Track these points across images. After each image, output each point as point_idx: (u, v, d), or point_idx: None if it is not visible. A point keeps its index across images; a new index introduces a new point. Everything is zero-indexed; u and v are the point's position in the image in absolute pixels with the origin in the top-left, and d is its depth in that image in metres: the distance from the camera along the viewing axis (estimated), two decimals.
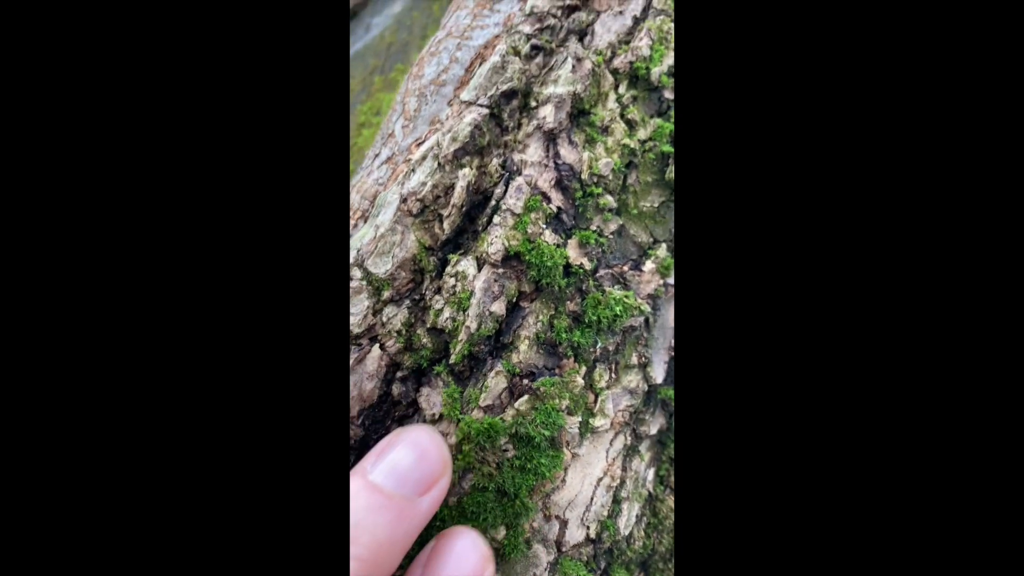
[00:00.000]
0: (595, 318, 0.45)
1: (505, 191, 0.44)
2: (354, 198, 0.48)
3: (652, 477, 0.51)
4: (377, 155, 0.49)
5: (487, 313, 0.43)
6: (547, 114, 0.46)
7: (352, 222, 0.47)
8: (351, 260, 0.44)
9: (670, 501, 0.52)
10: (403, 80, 0.53)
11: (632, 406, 0.48)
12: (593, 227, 0.46)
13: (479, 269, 0.43)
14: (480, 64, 0.48)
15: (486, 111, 0.46)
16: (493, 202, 0.44)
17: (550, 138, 0.46)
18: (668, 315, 0.49)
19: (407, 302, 0.44)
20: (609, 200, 0.46)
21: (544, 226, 0.44)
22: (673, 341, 0.48)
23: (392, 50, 0.76)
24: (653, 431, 0.50)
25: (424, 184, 0.44)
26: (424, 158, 0.45)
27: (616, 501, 0.48)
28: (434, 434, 0.39)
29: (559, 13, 0.50)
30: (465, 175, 0.44)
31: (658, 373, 0.49)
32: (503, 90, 0.46)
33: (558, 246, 0.44)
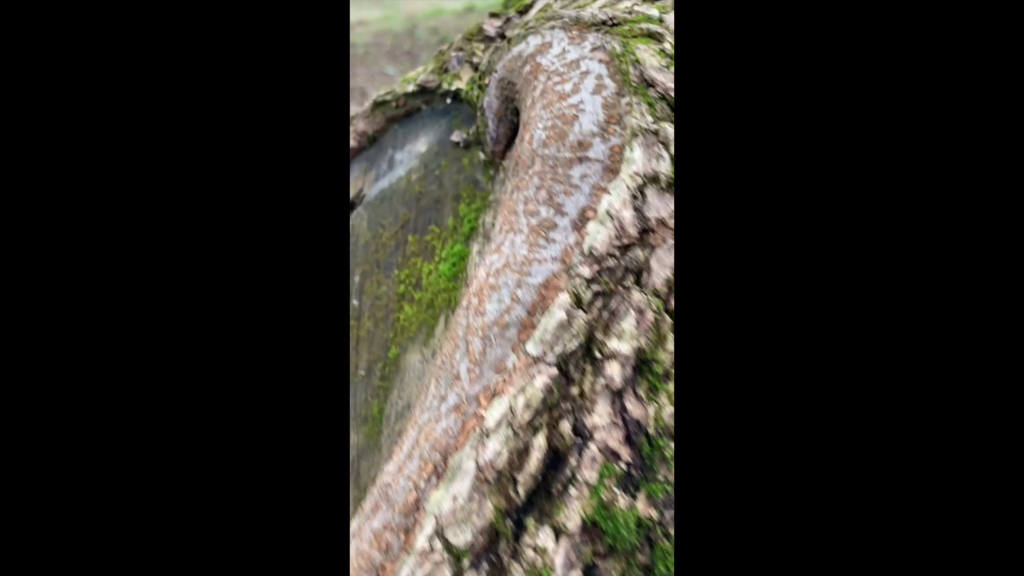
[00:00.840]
0: (664, 569, 0.47)
1: (579, 460, 0.46)
2: (424, 446, 0.49)
3: None
4: (443, 399, 0.51)
5: None
6: (614, 373, 0.48)
7: (425, 476, 0.48)
8: (432, 529, 0.45)
9: None
10: (459, 313, 0.54)
11: None
12: (660, 477, 0.48)
13: (557, 540, 0.45)
14: (543, 313, 0.50)
15: (555, 370, 0.48)
16: (568, 471, 0.46)
17: (617, 394, 0.48)
18: None
19: (485, 564, 0.46)
20: (673, 448, 0.48)
21: (616, 489, 0.46)
22: None
23: (423, 204, 0.77)
24: None
25: (500, 454, 0.46)
26: (499, 425, 0.46)
27: None
28: None
29: (617, 253, 0.51)
30: (540, 446, 0.46)
31: None
32: (570, 349, 0.48)
33: (630, 508, 0.46)
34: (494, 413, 0.47)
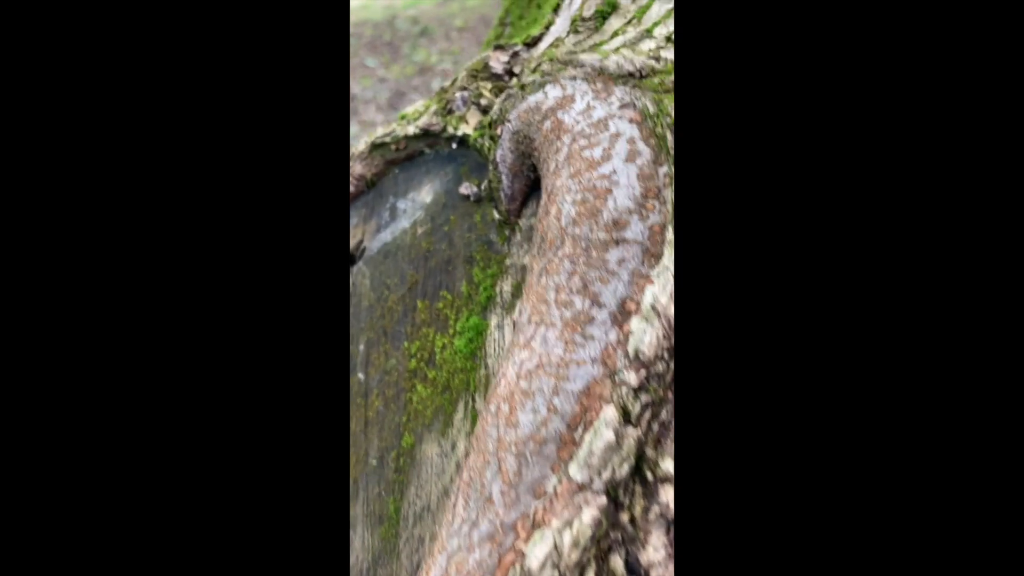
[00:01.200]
0: None
1: None
2: None
3: None
4: (475, 524, 0.45)
5: None
6: (669, 500, 0.42)
7: None
8: None
9: None
10: (487, 419, 0.48)
11: None
12: None
13: None
14: (585, 428, 0.44)
15: (604, 499, 0.42)
16: None
17: (672, 522, 0.43)
18: None
19: None
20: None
21: None
22: None
23: (432, 264, 0.70)
24: None
25: None
26: (543, 567, 0.41)
27: None
28: None
29: (666, 355, 0.46)
30: None
31: None
32: (621, 475, 0.43)
33: None
34: (537, 552, 0.42)
